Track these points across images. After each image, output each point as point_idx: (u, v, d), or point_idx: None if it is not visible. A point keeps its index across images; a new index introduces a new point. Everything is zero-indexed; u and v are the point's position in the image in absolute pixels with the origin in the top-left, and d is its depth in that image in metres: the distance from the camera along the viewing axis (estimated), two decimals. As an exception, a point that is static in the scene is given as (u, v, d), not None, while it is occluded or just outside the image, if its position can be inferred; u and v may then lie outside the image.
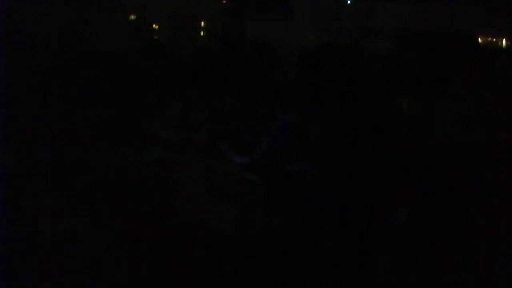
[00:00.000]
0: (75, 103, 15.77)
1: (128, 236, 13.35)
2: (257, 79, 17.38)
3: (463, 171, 15.16)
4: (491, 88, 16.96)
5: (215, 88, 17.09)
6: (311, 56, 17.71)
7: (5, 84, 14.66)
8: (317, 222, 14.35)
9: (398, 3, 19.13)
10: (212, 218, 14.00)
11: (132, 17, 19.20)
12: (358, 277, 13.05)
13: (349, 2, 19.55)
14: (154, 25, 19.38)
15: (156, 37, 19.35)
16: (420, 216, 14.70)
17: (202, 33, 19.64)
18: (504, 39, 19.11)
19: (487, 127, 16.08)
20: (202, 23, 19.67)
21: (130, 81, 16.76)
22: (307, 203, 14.87)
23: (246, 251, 13.49)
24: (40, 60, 15.77)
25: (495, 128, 16.07)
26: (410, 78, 17.40)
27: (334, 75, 16.93)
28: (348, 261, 13.41)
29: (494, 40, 19.12)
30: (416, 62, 17.72)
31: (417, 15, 18.68)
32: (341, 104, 16.53)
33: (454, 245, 13.69)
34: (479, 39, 18.93)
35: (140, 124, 16.35)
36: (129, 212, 13.94)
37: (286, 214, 14.58)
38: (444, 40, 17.86)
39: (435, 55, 17.59)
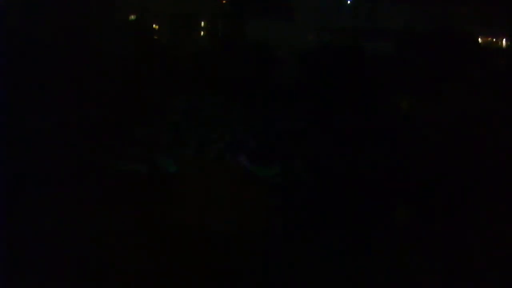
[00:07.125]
0: (74, 103, 15.80)
1: (139, 237, 13.39)
2: (257, 79, 17.40)
3: (464, 170, 15.19)
4: (491, 88, 16.98)
5: (215, 88, 17.10)
6: (311, 56, 17.73)
7: (4, 84, 14.68)
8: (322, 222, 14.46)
9: (398, 3, 19.14)
10: (227, 218, 14.05)
11: (132, 17, 19.21)
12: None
13: (349, 2, 19.57)
14: (154, 25, 19.39)
15: (156, 37, 19.36)
16: (424, 217, 14.75)
17: (202, 33, 19.65)
18: (504, 39, 19.13)
19: (487, 127, 16.10)
20: (202, 23, 19.67)
21: (129, 81, 16.77)
22: (308, 203, 14.93)
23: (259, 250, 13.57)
24: (40, 60, 15.80)
25: (495, 127, 16.09)
26: (410, 78, 17.42)
27: (334, 74, 16.96)
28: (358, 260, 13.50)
29: (494, 40, 19.14)
30: (416, 62, 17.74)
31: (417, 15, 18.70)
32: (342, 103, 16.56)
33: (465, 250, 13.78)
34: (479, 39, 18.95)
35: (139, 125, 16.37)
36: (142, 213, 14.01)
37: (291, 214, 14.67)
38: (444, 40, 17.88)
39: (435, 55, 17.61)
